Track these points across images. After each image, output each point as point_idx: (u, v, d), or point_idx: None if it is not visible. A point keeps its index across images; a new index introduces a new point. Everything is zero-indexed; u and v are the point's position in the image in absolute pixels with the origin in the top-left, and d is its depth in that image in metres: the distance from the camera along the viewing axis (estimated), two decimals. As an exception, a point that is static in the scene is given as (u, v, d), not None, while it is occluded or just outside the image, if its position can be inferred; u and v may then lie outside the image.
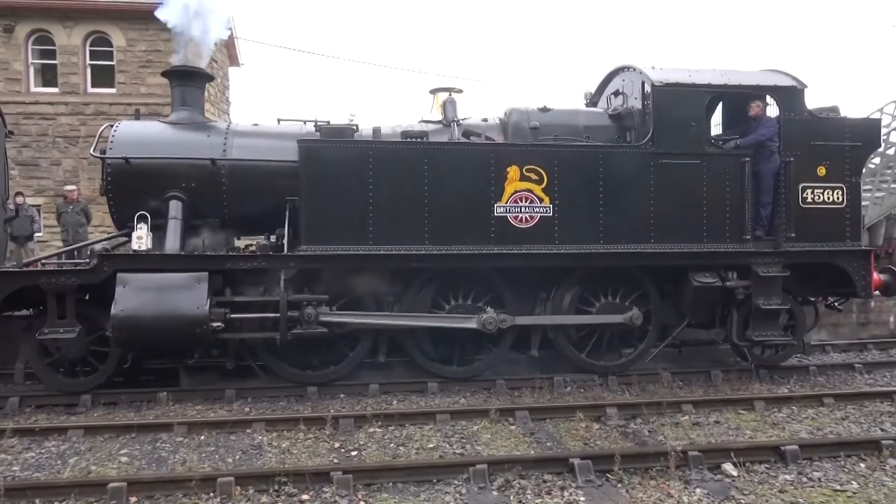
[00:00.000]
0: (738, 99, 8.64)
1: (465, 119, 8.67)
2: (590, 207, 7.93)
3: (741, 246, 8.13)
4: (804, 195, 8.27)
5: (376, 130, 8.30)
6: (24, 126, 15.13)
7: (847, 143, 8.37)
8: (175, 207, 7.88)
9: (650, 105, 8.06)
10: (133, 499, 4.76)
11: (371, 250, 7.60)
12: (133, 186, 7.85)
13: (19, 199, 12.60)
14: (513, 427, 6.47)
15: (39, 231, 13.80)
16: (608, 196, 7.94)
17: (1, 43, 15.07)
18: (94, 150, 8.12)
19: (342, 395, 7.78)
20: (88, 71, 15.51)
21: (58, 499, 4.76)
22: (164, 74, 9.06)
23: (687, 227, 8.08)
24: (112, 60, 15.49)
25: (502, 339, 8.17)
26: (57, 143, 15.25)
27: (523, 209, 7.84)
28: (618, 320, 8.19)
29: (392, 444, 6.02)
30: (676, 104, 8.06)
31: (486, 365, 8.27)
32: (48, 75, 15.51)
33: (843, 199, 8.34)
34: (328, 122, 8.10)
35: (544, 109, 8.76)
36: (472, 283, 8.11)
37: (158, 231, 7.67)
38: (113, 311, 6.98)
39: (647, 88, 8.14)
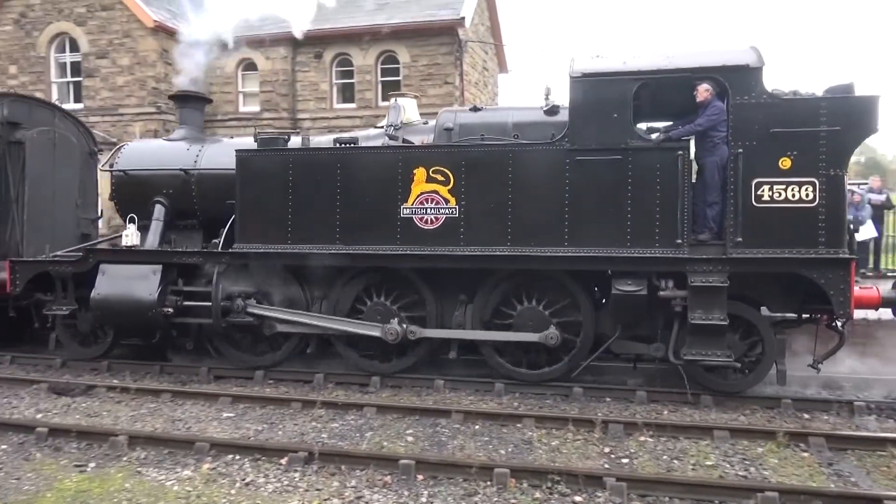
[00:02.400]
0: (686, 84, 7.19)
1: (411, 123, 8.73)
2: (497, 208, 7.49)
3: (673, 251, 7.03)
4: (759, 192, 6.83)
5: (305, 139, 8.68)
6: (327, 138, 17.45)
7: (822, 128, 6.71)
8: (158, 211, 9.13)
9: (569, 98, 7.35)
10: (420, 476, 5.19)
11: (289, 249, 8.04)
12: (130, 193, 9.28)
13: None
14: (805, 454, 5.79)
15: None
16: (517, 196, 7.44)
17: (312, 67, 17.49)
18: (104, 165, 9.53)
19: (608, 399, 7.65)
20: (379, 87, 17.32)
21: (358, 467, 5.37)
22: (169, 97, 10.25)
23: (607, 229, 7.21)
24: (398, 76, 17.11)
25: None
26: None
27: (429, 210, 7.70)
28: (532, 339, 7.60)
29: (665, 457, 5.76)
30: (595, 95, 7.24)
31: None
32: (347, 93, 17.64)
33: (814, 196, 6.72)
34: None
35: (474, 109, 8.58)
36: (393, 283, 8.10)
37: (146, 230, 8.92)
38: (92, 294, 8.45)
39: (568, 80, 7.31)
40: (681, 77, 7.26)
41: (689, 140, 7.20)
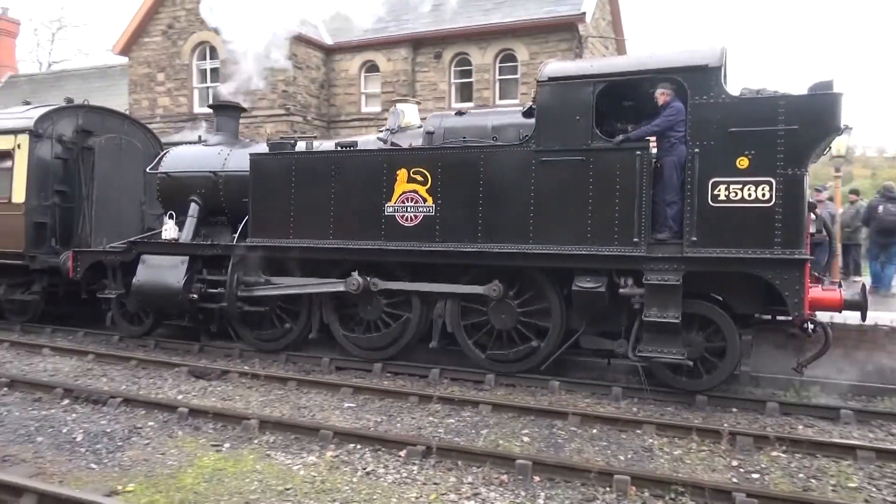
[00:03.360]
0: (651, 85, 7.28)
1: (410, 127, 9.17)
2: (469, 207, 7.90)
3: (630, 249, 7.16)
4: (715, 192, 6.86)
5: (309, 144, 9.44)
6: (445, 137, 17.69)
7: (780, 126, 6.63)
8: (192, 208, 10.06)
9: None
10: (536, 478, 5.14)
11: (290, 243, 8.87)
12: (171, 192, 10.26)
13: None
14: (967, 483, 5.22)
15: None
16: (488, 195, 7.82)
17: (431, 67, 17.77)
18: (150, 168, 10.58)
19: (734, 410, 7.26)
20: (497, 85, 17.34)
21: (475, 464, 5.40)
22: (209, 106, 11.62)
23: (570, 227, 7.45)
24: (516, 74, 17.04)
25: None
26: (469, 151, 17.41)
27: (409, 209, 8.19)
28: (478, 291, 8.08)
29: (801, 475, 5.38)
30: (560, 98, 7.49)
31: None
32: (465, 92, 17.79)
33: (770, 195, 6.67)
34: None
35: (459, 114, 8.93)
36: (382, 277, 8.58)
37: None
38: (133, 280, 9.70)
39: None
40: (643, 78, 7.41)
41: (647, 140, 7.28)
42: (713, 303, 7.42)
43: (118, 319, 10.67)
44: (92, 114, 12.23)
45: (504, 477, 5.15)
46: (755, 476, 5.36)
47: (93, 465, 5.24)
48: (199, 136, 12.31)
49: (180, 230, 10.02)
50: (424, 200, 8.15)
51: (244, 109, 11.77)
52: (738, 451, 5.87)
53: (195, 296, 9.38)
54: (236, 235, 9.55)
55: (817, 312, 7.32)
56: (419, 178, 8.16)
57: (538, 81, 7.67)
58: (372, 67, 18.50)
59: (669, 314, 7.04)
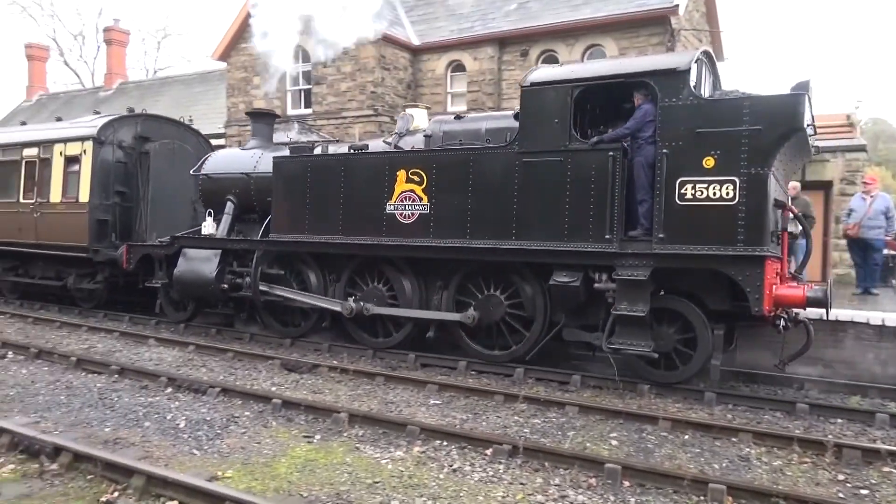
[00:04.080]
0: (627, 89, 7.69)
1: (418, 131, 9.60)
2: (460, 205, 8.38)
3: (602, 246, 7.51)
4: (682, 191, 7.12)
5: (324, 148, 10.22)
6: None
7: (745, 127, 6.83)
8: (228, 206, 10.96)
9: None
10: (626, 483, 5.02)
11: (305, 238, 9.66)
12: (210, 192, 11.25)
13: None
14: None
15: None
16: (476, 195, 8.27)
17: (517, 65, 17.67)
18: (193, 171, 11.52)
19: (839, 420, 6.86)
20: (585, 82, 17.02)
21: (562, 466, 5.33)
22: (246, 114, 12.56)
23: (549, 224, 7.82)
24: (605, 70, 16.68)
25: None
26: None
27: (407, 207, 8.77)
28: (455, 318, 8.65)
29: (918, 493, 5.01)
30: (540, 102, 7.90)
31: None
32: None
33: (734, 194, 6.89)
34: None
35: (457, 118, 9.53)
36: (386, 270, 9.35)
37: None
38: (175, 271, 10.74)
39: None
40: (617, 82, 7.74)
41: (620, 142, 7.56)
42: (688, 298, 7.59)
43: (165, 306, 11.73)
44: (149, 121, 13.53)
45: (592, 480, 5.06)
46: (864, 492, 5.04)
47: (195, 451, 5.51)
48: (289, 137, 12.96)
49: (218, 226, 10.94)
50: (420, 199, 8.73)
51: (277, 116, 12.81)
52: (844, 464, 5.55)
53: (226, 286, 10.34)
54: (260, 231, 10.46)
55: (802, 311, 7.67)
56: (416, 178, 8.74)
57: (522, 87, 8.18)
58: (458, 67, 18.57)
59: (638, 308, 7.32)
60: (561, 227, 7.77)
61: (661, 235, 7.24)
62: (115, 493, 4.50)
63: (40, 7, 46.60)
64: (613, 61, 8.19)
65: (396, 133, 9.85)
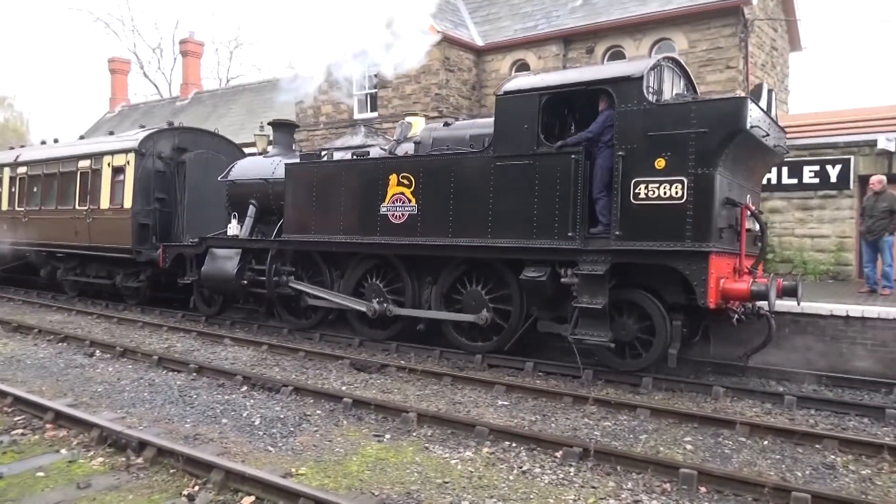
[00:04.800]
0: (592, 96, 8.26)
1: (413, 138, 10.13)
2: (443, 206, 9.02)
3: (566, 243, 7.99)
4: (637, 191, 7.59)
5: (329, 154, 11.14)
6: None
7: (692, 130, 7.23)
8: (250, 210, 11.85)
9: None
10: (702, 489, 4.87)
11: (311, 238, 10.50)
12: (236, 196, 12.16)
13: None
14: None
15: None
16: (457, 197, 8.91)
17: (583, 63, 17.41)
18: (220, 177, 12.44)
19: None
20: (652, 77, 16.63)
21: (634, 470, 5.21)
22: (268, 124, 13.32)
23: (520, 223, 8.32)
24: (674, 64, 16.24)
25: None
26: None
27: (398, 208, 9.46)
28: (469, 319, 9.14)
29: None
30: (512, 110, 8.43)
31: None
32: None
33: (683, 193, 7.30)
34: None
35: (446, 125, 10.20)
36: (386, 268, 10.10)
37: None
38: (202, 269, 11.75)
39: None
40: (580, 90, 8.27)
41: (582, 145, 8.05)
42: (649, 292, 7.98)
43: (197, 301, 12.70)
44: (185, 133, 14.85)
45: (667, 486, 4.93)
46: (964, 505, 4.73)
47: (269, 448, 5.66)
48: (354, 142, 13.34)
49: (241, 228, 11.86)
50: (409, 201, 9.42)
51: (297, 126, 14.03)
52: (941, 475, 5.22)
53: (245, 282, 11.31)
54: (274, 232, 11.32)
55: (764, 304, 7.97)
56: (406, 182, 9.45)
57: (496, 96, 8.80)
58: (522, 66, 18.46)
59: (597, 301, 7.76)
60: (530, 226, 8.31)
61: (617, 233, 7.72)
62: (196, 487, 4.66)
63: (122, 23, 49.03)
64: (577, 70, 9.13)
65: (395, 140, 10.58)
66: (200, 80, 34.78)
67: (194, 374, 8.32)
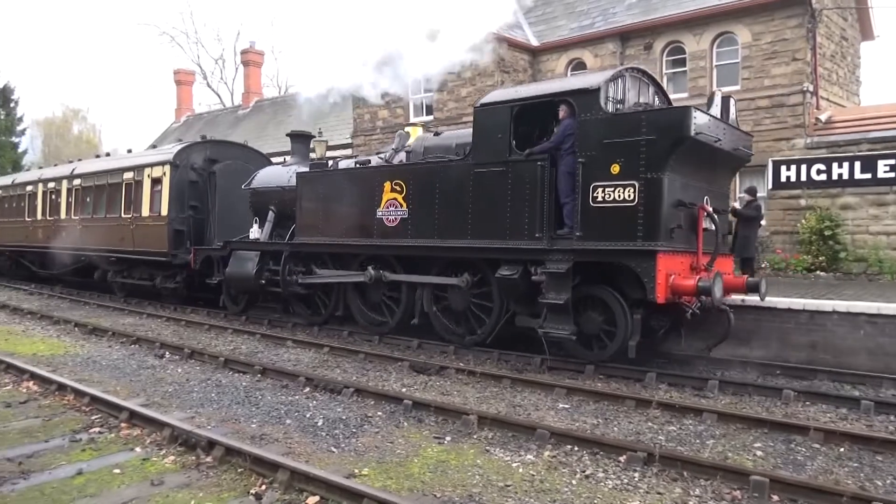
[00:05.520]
0: (558, 106, 8.71)
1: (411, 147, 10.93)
2: (430, 211, 9.75)
3: (534, 243, 8.60)
4: (595, 194, 8.11)
5: (335, 163, 12.14)
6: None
7: (642, 137, 7.76)
8: (270, 215, 12.90)
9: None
10: (774, 497, 4.70)
11: (317, 240, 11.47)
12: (257, 203, 13.23)
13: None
14: None
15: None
16: (442, 201, 9.61)
17: (641, 59, 17.10)
18: (244, 186, 13.40)
19: None
20: (714, 72, 16.20)
21: (702, 476, 5.07)
22: (286, 135, 14.54)
23: (495, 225, 8.97)
24: (737, 58, 15.77)
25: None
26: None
27: (391, 213, 10.26)
28: (453, 282, 9.78)
29: None
30: (488, 121, 9.09)
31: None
32: (679, 82, 16.85)
33: (634, 196, 7.83)
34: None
35: (436, 134, 11.23)
36: (385, 265, 10.72)
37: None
38: (227, 270, 12.91)
39: None
40: (547, 101, 8.85)
41: (548, 153, 8.63)
42: (613, 288, 8.44)
43: (226, 300, 13.82)
44: (217, 146, 16.08)
45: (737, 493, 4.77)
46: None
47: (332, 449, 5.74)
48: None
49: (262, 232, 12.89)
50: (401, 206, 10.18)
51: (312, 136, 15.13)
52: None
53: (263, 281, 12.31)
54: (287, 235, 12.26)
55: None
56: (398, 188, 10.22)
57: (475, 108, 9.56)
58: (579, 65, 18.26)
59: (561, 297, 8.30)
60: (504, 227, 8.96)
61: (578, 233, 8.31)
62: (263, 487, 4.77)
63: (186, 35, 50.78)
64: (545, 83, 9.76)
65: (392, 149, 11.33)
66: (261, 88, 35.70)
67: (259, 375, 8.53)
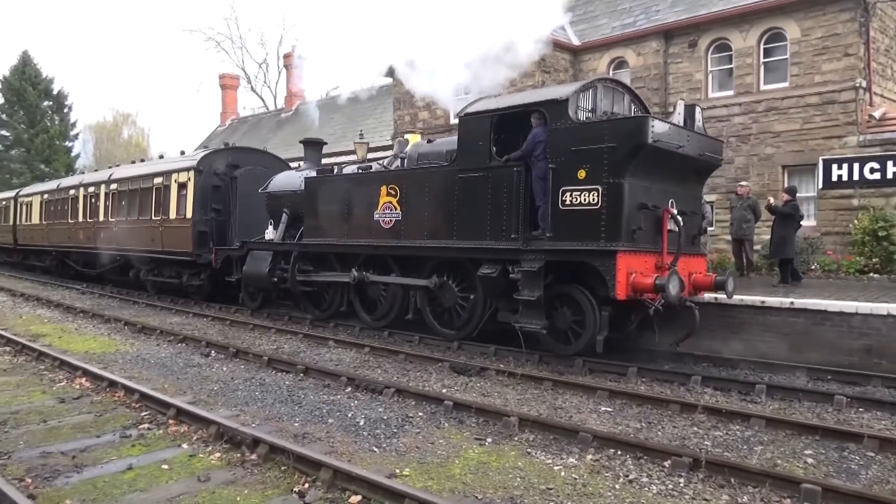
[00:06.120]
0: (530, 116, 9.25)
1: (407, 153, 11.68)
2: (420, 213, 10.47)
3: (511, 244, 9.22)
4: (564, 198, 8.66)
5: (339, 169, 13.25)
6: (701, 130, 16.59)
7: (605, 144, 8.29)
8: (283, 217, 13.66)
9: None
10: (827, 507, 4.56)
11: (322, 240, 12.36)
12: (273, 206, 14.01)
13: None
14: None
15: (710, 226, 14.82)
16: (431, 205, 10.34)
17: (685, 57, 16.81)
18: (260, 190, 14.30)
19: None
20: (762, 69, 15.81)
21: (750, 483, 4.94)
22: (300, 142, 15.40)
23: (476, 227, 9.67)
24: (785, 54, 15.37)
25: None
26: (729, 143, 16.10)
27: (387, 215, 10.96)
28: (422, 283, 10.63)
29: None
30: (470, 129, 9.85)
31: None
32: (724, 80, 16.50)
33: (598, 200, 8.34)
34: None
35: (429, 141, 11.86)
36: (383, 264, 11.53)
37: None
38: (244, 269, 13.92)
39: None
40: (522, 111, 9.39)
41: (523, 159, 9.19)
42: (583, 286, 8.86)
43: (244, 296, 14.83)
44: (238, 152, 17.05)
45: (787, 501, 4.65)
46: None
47: (374, 449, 5.78)
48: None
49: (276, 233, 13.66)
50: (396, 209, 10.91)
51: (325, 143, 16.00)
52: None
53: (275, 279, 13.17)
54: (297, 236, 13.11)
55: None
56: (392, 192, 10.97)
57: (459, 117, 10.19)
58: (621, 64, 18.04)
59: (534, 293, 8.83)
60: (485, 229, 9.56)
61: (549, 234, 8.86)
62: (307, 485, 4.83)
63: (231, 41, 51.87)
64: (521, 94, 10.28)
65: (392, 155, 12.19)
66: (303, 91, 36.13)
67: (301, 374, 8.64)
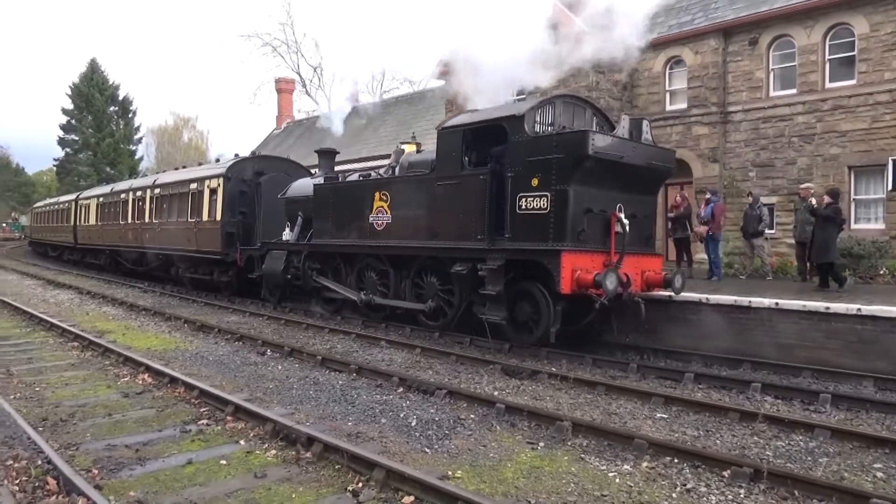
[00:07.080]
0: (495, 130, 10.18)
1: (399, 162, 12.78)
2: (407, 217, 11.77)
3: (478, 244, 10.22)
4: (520, 203, 9.64)
5: (343, 176, 14.52)
6: (762, 130, 16.09)
7: (554, 155, 9.21)
8: (299, 220, 14.77)
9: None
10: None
11: (328, 242, 13.63)
12: (290, 210, 15.24)
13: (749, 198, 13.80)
14: None
15: (769, 228, 14.40)
16: (414, 209, 11.61)
17: (745, 55, 16.33)
18: (279, 195, 15.69)
19: None
20: (827, 66, 15.25)
21: (815, 496, 4.76)
22: (315, 151, 16.89)
23: (449, 229, 10.82)
24: (853, 51, 14.78)
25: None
26: (792, 143, 15.59)
27: (379, 218, 12.27)
28: (420, 307, 11.81)
29: None
30: (446, 142, 10.97)
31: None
32: (787, 78, 15.98)
33: (547, 205, 9.28)
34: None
35: (419, 151, 13.16)
36: (377, 264, 12.74)
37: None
38: (263, 267, 15.34)
39: None
40: (487, 126, 10.31)
41: (489, 169, 10.15)
42: (540, 283, 9.57)
43: (265, 292, 15.83)
44: (263, 160, 18.69)
45: (856, 516, 4.45)
46: None
47: (426, 450, 5.79)
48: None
49: (292, 235, 14.78)
50: (387, 213, 12.10)
51: (337, 152, 17.15)
52: None
53: (289, 276, 14.49)
54: (307, 238, 14.30)
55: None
56: (384, 198, 12.17)
57: (438, 131, 11.24)
58: (677, 63, 17.66)
59: (496, 288, 9.81)
60: (457, 231, 10.60)
61: (508, 235, 9.85)
62: (360, 484, 4.87)
63: (286, 46, 52.88)
64: (487, 110, 10.93)
65: (389, 164, 13.17)
66: (357, 94, 36.55)
67: (354, 374, 8.73)
